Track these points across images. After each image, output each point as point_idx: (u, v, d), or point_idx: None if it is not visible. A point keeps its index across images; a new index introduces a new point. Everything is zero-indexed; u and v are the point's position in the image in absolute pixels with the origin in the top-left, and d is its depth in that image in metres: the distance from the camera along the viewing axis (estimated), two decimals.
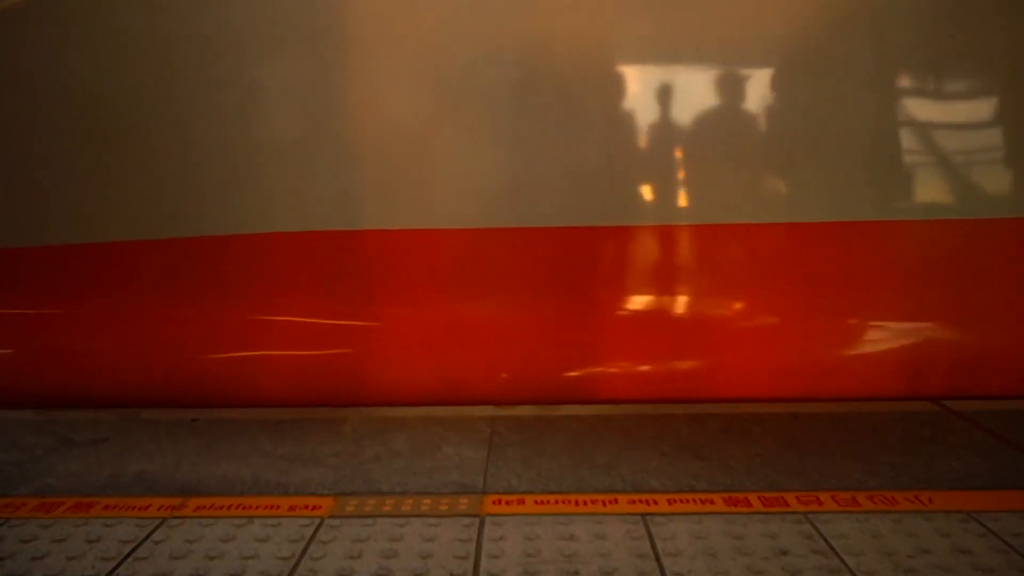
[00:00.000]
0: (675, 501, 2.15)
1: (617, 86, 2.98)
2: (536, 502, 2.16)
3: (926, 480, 2.28)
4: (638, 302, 3.18)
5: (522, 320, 3.08)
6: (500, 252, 3.06)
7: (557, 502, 2.16)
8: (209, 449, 2.60)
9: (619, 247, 3.11)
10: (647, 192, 3.11)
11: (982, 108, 2.98)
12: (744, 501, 2.14)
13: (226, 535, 1.99)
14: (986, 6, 2.86)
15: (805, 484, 2.26)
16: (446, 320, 3.10)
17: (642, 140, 3.06)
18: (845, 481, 2.27)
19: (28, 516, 2.12)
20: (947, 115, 2.97)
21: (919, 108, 2.98)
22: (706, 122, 2.98)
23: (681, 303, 3.18)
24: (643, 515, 2.06)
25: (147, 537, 1.98)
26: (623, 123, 3.02)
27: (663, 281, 3.15)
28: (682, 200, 3.11)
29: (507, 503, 2.15)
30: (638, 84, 2.98)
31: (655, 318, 3.15)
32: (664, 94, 2.98)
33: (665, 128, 3.03)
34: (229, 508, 2.15)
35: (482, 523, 2.03)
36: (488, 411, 2.94)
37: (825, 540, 1.91)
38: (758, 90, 2.96)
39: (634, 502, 2.15)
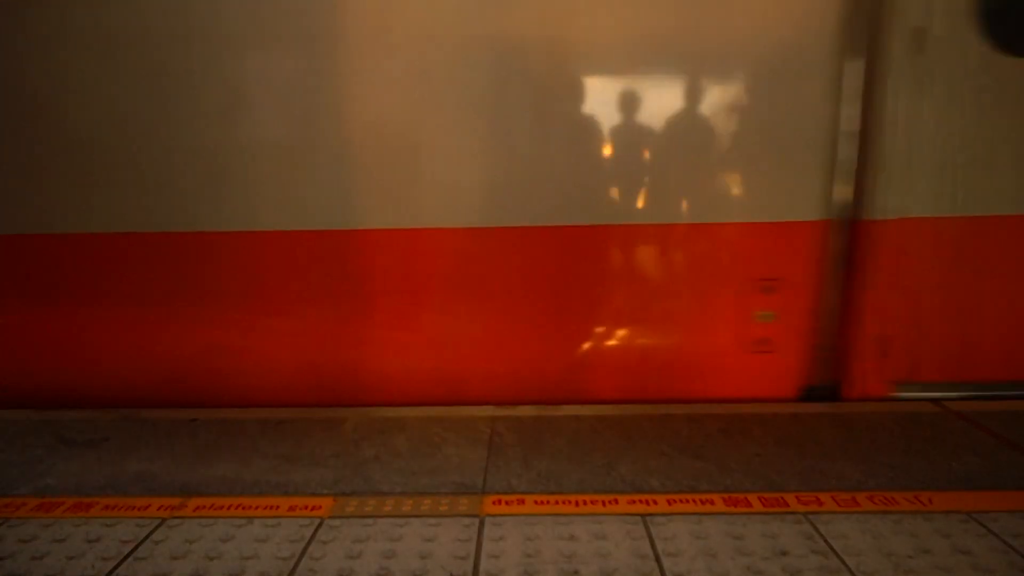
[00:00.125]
0: (675, 501, 2.15)
1: None
2: (536, 502, 2.16)
3: (926, 480, 2.28)
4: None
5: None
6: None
7: (557, 502, 2.16)
8: (209, 449, 2.60)
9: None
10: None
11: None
12: (744, 501, 2.14)
13: (226, 535, 1.99)
14: None
15: (805, 484, 2.26)
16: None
17: None
18: (845, 481, 2.27)
19: (28, 516, 2.12)
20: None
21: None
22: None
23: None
24: (643, 515, 2.06)
25: (147, 537, 1.98)
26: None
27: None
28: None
29: (507, 503, 2.15)
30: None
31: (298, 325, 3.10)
32: None
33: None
34: (229, 508, 2.15)
35: (482, 523, 2.03)
36: (488, 411, 2.94)
37: (825, 540, 1.91)
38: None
39: (634, 502, 2.15)
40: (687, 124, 2.88)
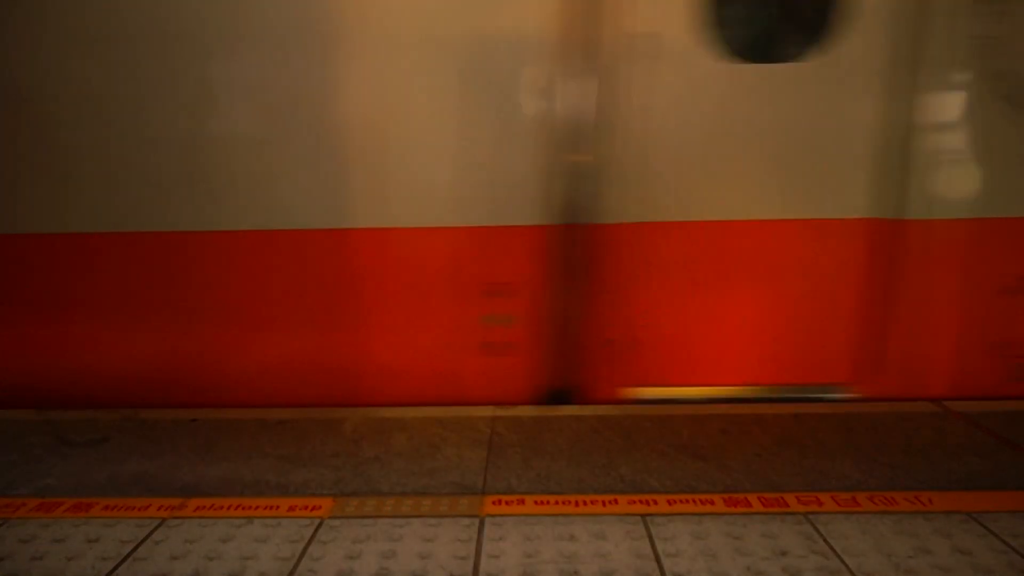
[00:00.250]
0: (675, 501, 2.15)
1: None
2: (536, 502, 2.16)
3: (926, 481, 2.28)
4: None
5: None
6: None
7: (557, 502, 2.16)
8: (209, 449, 2.60)
9: None
10: None
11: None
12: (744, 502, 2.14)
13: (226, 535, 1.99)
14: None
15: (805, 485, 2.26)
16: None
17: None
18: (845, 482, 2.27)
19: (28, 516, 2.12)
20: None
21: None
22: None
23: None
24: (643, 515, 2.06)
25: (147, 537, 1.98)
26: None
27: None
28: None
29: (507, 503, 2.15)
30: None
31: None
32: None
33: None
34: (229, 508, 2.15)
35: (482, 523, 2.03)
36: (488, 411, 2.94)
37: (825, 541, 1.91)
38: None
39: (634, 502, 2.14)
40: (382, 123, 2.77)
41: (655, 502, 2.15)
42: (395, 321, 2.97)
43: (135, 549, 1.92)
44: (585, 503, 2.15)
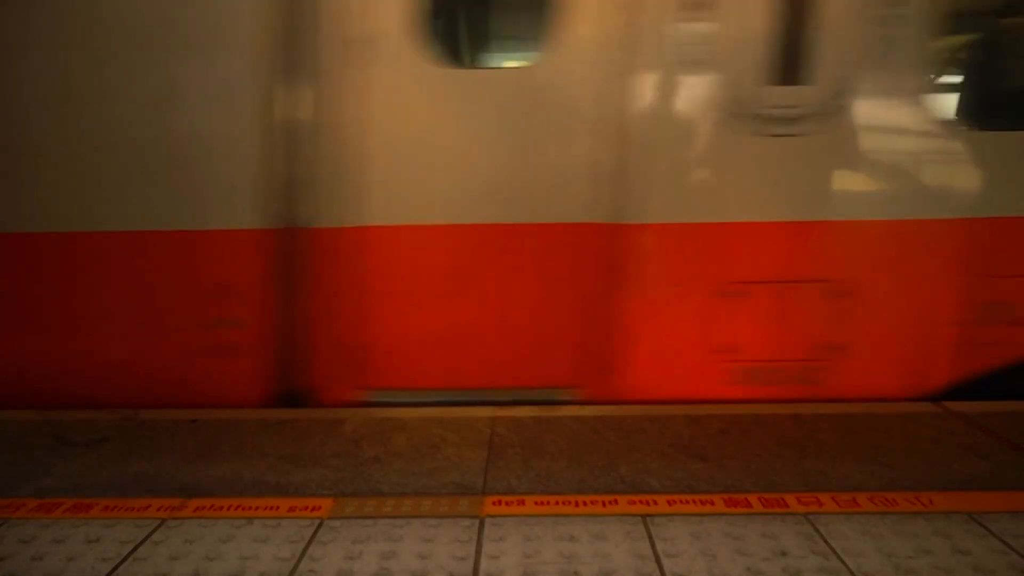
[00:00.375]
0: (675, 502, 2.15)
1: None
2: (536, 503, 2.16)
3: (926, 481, 2.28)
4: None
5: None
6: None
7: (557, 503, 2.16)
8: (209, 449, 2.60)
9: None
10: None
11: None
12: (744, 502, 2.14)
13: (225, 536, 1.98)
14: None
15: (805, 485, 2.26)
16: None
17: None
18: (845, 482, 2.27)
19: (28, 517, 2.12)
20: None
21: None
22: None
23: None
24: (643, 516, 2.06)
25: (146, 538, 1.98)
26: None
27: None
28: None
29: (507, 504, 2.15)
30: None
31: None
32: None
33: None
34: (228, 509, 2.15)
35: (482, 524, 2.03)
36: (488, 411, 2.94)
37: (825, 541, 1.91)
38: None
39: (634, 503, 2.14)
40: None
41: (655, 502, 2.15)
42: (121, 323, 2.91)
43: (135, 549, 1.92)
44: (585, 503, 2.15)
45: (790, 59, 2.60)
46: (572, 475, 2.35)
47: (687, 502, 2.15)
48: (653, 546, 1.89)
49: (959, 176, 2.70)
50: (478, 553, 1.88)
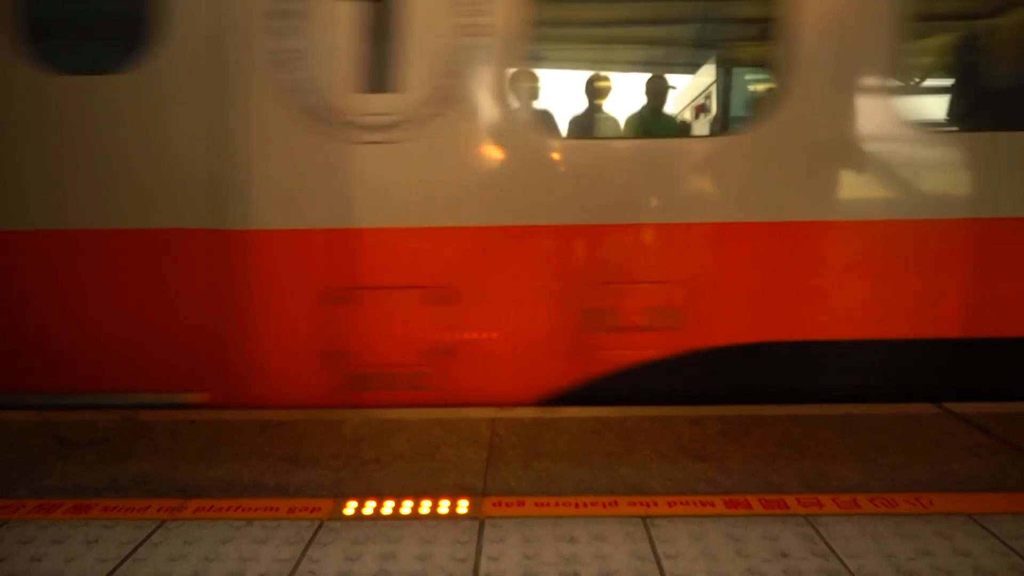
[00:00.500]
0: (675, 503, 2.15)
1: None
2: (536, 504, 2.16)
3: (927, 482, 2.28)
4: None
5: None
6: None
7: (557, 504, 2.15)
8: (208, 450, 2.60)
9: None
10: None
11: None
12: (744, 503, 2.14)
13: (225, 537, 1.98)
14: None
15: (806, 486, 2.25)
16: None
17: None
18: (846, 483, 2.27)
19: (27, 517, 2.11)
20: None
21: None
22: None
23: None
24: (643, 517, 2.06)
25: (146, 539, 1.98)
26: None
27: None
28: None
29: (507, 505, 2.15)
30: None
31: None
32: None
33: None
34: (228, 510, 2.15)
35: (482, 525, 2.03)
36: (488, 412, 2.94)
37: (825, 542, 1.90)
38: None
39: (634, 504, 2.14)
40: None
41: (655, 504, 2.14)
42: None
43: (134, 550, 1.92)
44: (585, 505, 2.15)
45: (378, 67, 2.62)
46: (572, 476, 2.34)
47: (687, 503, 2.14)
48: (653, 547, 1.89)
49: (554, 183, 2.68)
50: (478, 554, 1.87)
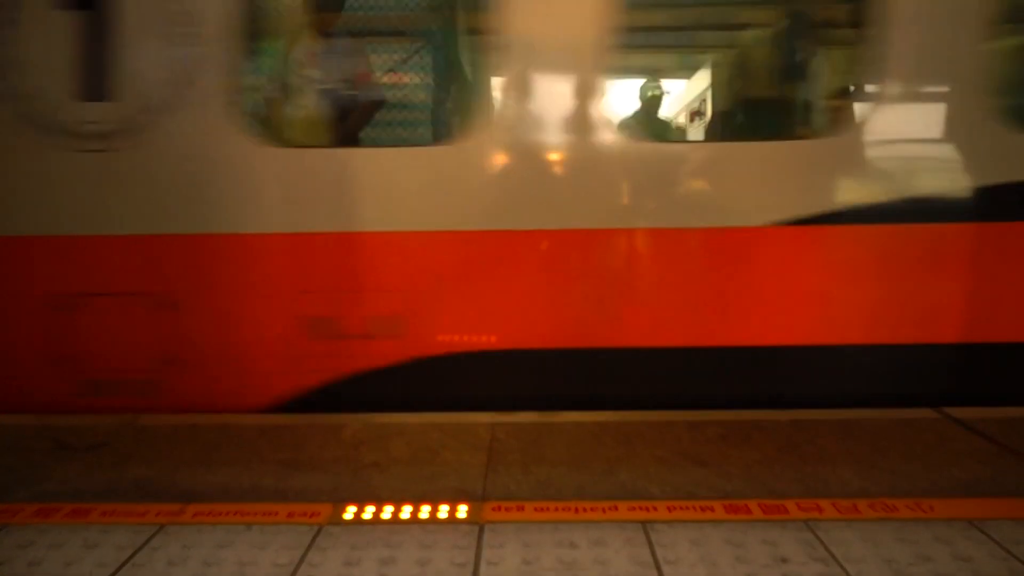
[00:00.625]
0: (675, 508, 2.14)
1: None
2: (535, 509, 2.15)
3: (927, 487, 2.27)
4: None
5: None
6: None
7: (556, 509, 2.15)
8: (208, 455, 2.60)
9: None
10: None
11: None
12: (744, 508, 2.13)
13: (224, 542, 1.98)
14: None
15: (805, 491, 2.25)
16: None
17: None
18: (846, 488, 2.27)
19: (26, 522, 2.11)
20: None
21: None
22: None
23: None
24: (643, 522, 2.05)
25: (145, 543, 1.97)
26: None
27: None
28: None
29: (506, 510, 2.15)
30: None
31: None
32: None
33: None
34: (227, 515, 2.14)
35: (481, 530, 2.02)
36: (488, 417, 2.94)
37: (826, 548, 1.90)
38: None
39: (634, 509, 2.14)
40: None
41: (655, 509, 2.14)
42: None
43: (133, 555, 1.91)
44: (585, 510, 2.14)
45: (95, 75, 2.61)
46: (572, 481, 2.34)
47: (687, 508, 2.14)
48: (653, 553, 1.89)
49: (264, 192, 2.63)
50: (477, 559, 1.87)
